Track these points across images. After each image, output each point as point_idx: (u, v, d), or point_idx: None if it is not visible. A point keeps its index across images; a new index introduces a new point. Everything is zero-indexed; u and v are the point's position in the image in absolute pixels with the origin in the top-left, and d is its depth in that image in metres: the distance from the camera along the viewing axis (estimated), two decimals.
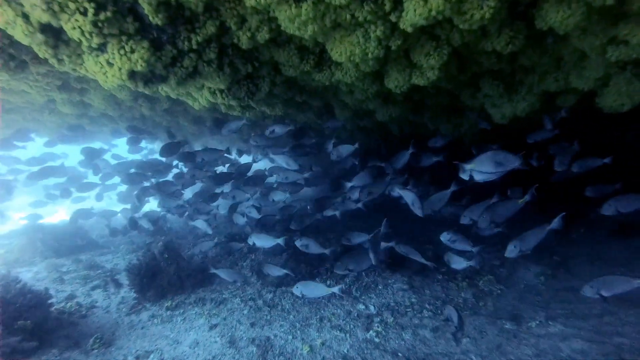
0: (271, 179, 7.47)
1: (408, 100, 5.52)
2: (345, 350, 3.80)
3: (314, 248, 4.74)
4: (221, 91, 3.96)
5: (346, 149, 5.59)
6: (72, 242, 6.80)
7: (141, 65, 3.04)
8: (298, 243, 4.72)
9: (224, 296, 5.02)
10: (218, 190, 7.20)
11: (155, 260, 5.02)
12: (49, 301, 4.24)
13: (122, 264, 6.27)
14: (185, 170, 7.44)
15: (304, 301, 4.74)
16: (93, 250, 7.15)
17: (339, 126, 6.60)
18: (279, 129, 5.26)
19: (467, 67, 4.18)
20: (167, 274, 4.94)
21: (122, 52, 3.05)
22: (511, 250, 3.94)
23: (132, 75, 3.24)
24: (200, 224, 6.12)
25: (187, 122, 8.53)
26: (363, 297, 4.88)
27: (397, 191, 4.74)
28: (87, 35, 2.92)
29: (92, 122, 8.04)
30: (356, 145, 5.46)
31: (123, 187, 10.33)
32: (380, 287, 5.04)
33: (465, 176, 3.72)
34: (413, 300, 4.70)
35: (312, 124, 8.22)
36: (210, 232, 6.55)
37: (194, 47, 3.26)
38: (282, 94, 4.74)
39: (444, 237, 4.50)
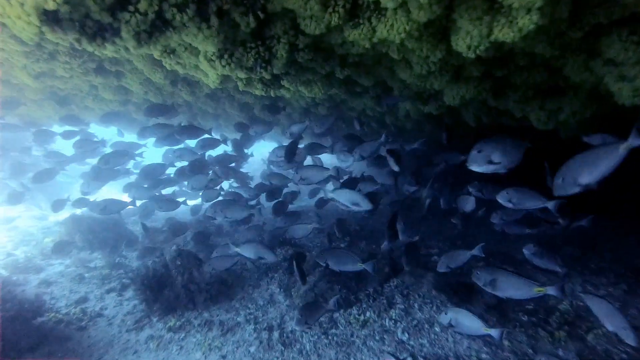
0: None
1: (487, 78, 4.04)
2: None
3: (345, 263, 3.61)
4: (218, 56, 2.96)
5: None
6: (108, 235, 6.50)
7: (53, 2, 2.14)
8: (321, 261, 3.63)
9: (237, 319, 4.11)
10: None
11: (166, 268, 4.29)
12: (44, 308, 3.71)
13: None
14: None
15: (330, 341, 3.59)
16: (131, 245, 6.79)
17: (397, 102, 5.27)
18: (295, 128, 4.49)
19: (585, 15, 2.64)
20: (176, 286, 4.17)
21: None
22: (440, 265, 4.06)
23: (46, 16, 2.35)
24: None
25: (234, 110, 7.83)
26: (411, 343, 3.58)
27: None
28: None
29: (138, 109, 7.70)
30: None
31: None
32: (437, 330, 3.68)
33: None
34: (484, 357, 3.28)
35: (370, 112, 6.95)
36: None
37: None
38: (314, 66, 3.60)
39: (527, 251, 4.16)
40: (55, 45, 4.80)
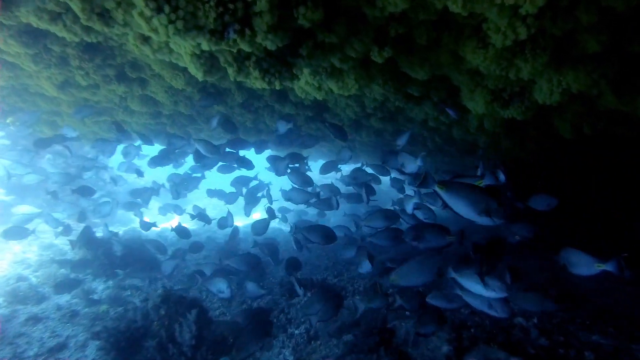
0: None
1: (610, 57, 2.63)
2: None
3: None
4: (155, 9, 1.93)
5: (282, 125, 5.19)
6: (127, 261, 5.86)
7: None
8: None
9: None
10: None
11: (146, 319, 3.34)
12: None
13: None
14: None
15: None
16: (149, 271, 6.02)
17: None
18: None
19: None
20: (148, 350, 3.15)
21: None
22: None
23: None
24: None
25: (275, 123, 6.98)
26: None
27: None
28: None
29: (174, 123, 7.17)
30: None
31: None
32: None
33: None
34: None
35: (434, 123, 5.63)
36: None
37: None
38: (334, 39, 2.46)
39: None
40: (62, 46, 4.29)
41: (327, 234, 4.31)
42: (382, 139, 7.21)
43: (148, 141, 7.15)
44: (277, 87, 2.75)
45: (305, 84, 3.56)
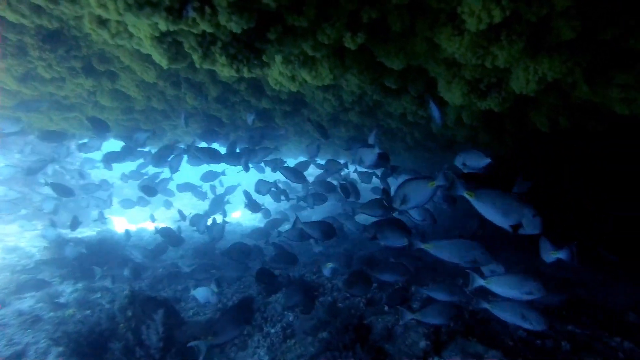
0: None
1: (585, 45, 2.63)
2: None
3: None
4: None
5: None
6: (98, 261, 5.60)
7: None
8: None
9: None
10: None
11: (113, 321, 3.15)
12: None
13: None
14: None
15: None
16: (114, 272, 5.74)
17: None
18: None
19: None
20: (120, 351, 2.96)
21: None
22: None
23: None
24: None
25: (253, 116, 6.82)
26: None
27: None
28: None
29: (147, 119, 6.92)
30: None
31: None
32: None
33: None
34: None
35: (412, 117, 5.58)
36: None
37: None
38: (302, 23, 2.35)
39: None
40: (18, 34, 4.05)
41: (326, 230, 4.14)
42: (361, 134, 7.14)
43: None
44: (246, 75, 2.61)
45: (278, 74, 3.45)
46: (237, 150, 6.37)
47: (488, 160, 3.60)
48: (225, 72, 2.56)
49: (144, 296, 3.41)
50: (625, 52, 2.81)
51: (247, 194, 6.96)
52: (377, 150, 3.49)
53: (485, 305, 2.85)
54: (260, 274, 4.09)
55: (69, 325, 3.46)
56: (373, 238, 3.25)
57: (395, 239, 3.28)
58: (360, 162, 3.74)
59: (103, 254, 5.80)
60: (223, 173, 8.00)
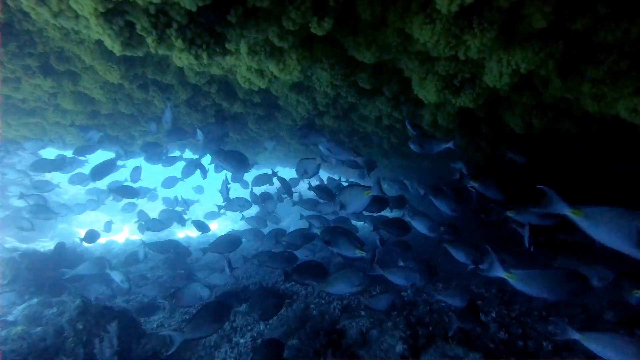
0: None
1: (558, 35, 2.59)
2: None
3: None
4: None
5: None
6: (55, 275, 5.20)
7: None
8: None
9: None
10: None
11: (59, 336, 2.84)
12: None
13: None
14: None
15: None
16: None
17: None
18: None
19: None
20: None
21: None
22: None
23: None
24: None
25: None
26: None
27: None
28: None
29: (114, 124, 6.61)
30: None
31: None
32: None
33: None
34: None
35: (387, 120, 5.51)
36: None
37: None
38: (264, 4, 2.21)
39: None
40: None
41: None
42: (338, 140, 7.02)
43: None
44: (206, 62, 2.43)
45: (246, 70, 3.30)
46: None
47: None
48: (184, 58, 2.38)
49: (99, 307, 3.10)
50: (596, 45, 2.79)
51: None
52: (318, 162, 3.51)
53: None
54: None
55: (6, 344, 3.09)
56: (326, 243, 3.18)
57: (346, 249, 3.21)
58: (305, 174, 3.68)
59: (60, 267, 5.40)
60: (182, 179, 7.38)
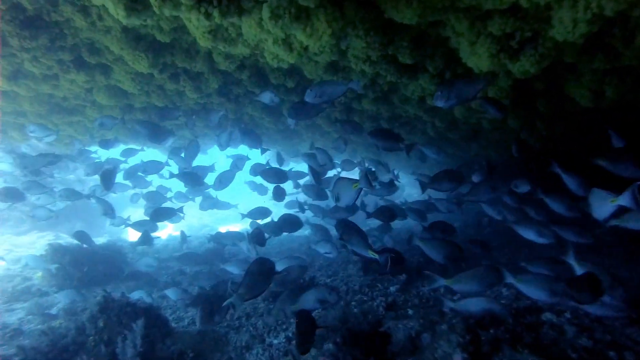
0: None
1: None
2: None
3: None
4: None
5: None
6: (97, 270, 5.21)
7: None
8: None
9: None
10: None
11: (81, 333, 2.69)
12: None
13: None
14: None
15: None
16: (125, 282, 5.38)
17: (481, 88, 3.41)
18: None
19: None
20: None
21: None
22: None
23: None
24: None
25: (256, 112, 6.42)
26: None
27: None
28: None
29: (149, 118, 6.60)
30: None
31: None
32: None
33: None
34: None
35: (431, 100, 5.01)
36: None
37: None
38: None
39: None
40: None
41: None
42: (378, 126, 6.58)
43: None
44: (218, 21, 2.14)
45: (273, 43, 2.98)
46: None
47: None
48: (193, 18, 2.11)
49: (121, 303, 2.92)
50: None
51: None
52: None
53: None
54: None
55: (31, 338, 3.01)
56: (342, 239, 3.24)
57: (361, 248, 3.17)
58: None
59: (107, 263, 5.45)
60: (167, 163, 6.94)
